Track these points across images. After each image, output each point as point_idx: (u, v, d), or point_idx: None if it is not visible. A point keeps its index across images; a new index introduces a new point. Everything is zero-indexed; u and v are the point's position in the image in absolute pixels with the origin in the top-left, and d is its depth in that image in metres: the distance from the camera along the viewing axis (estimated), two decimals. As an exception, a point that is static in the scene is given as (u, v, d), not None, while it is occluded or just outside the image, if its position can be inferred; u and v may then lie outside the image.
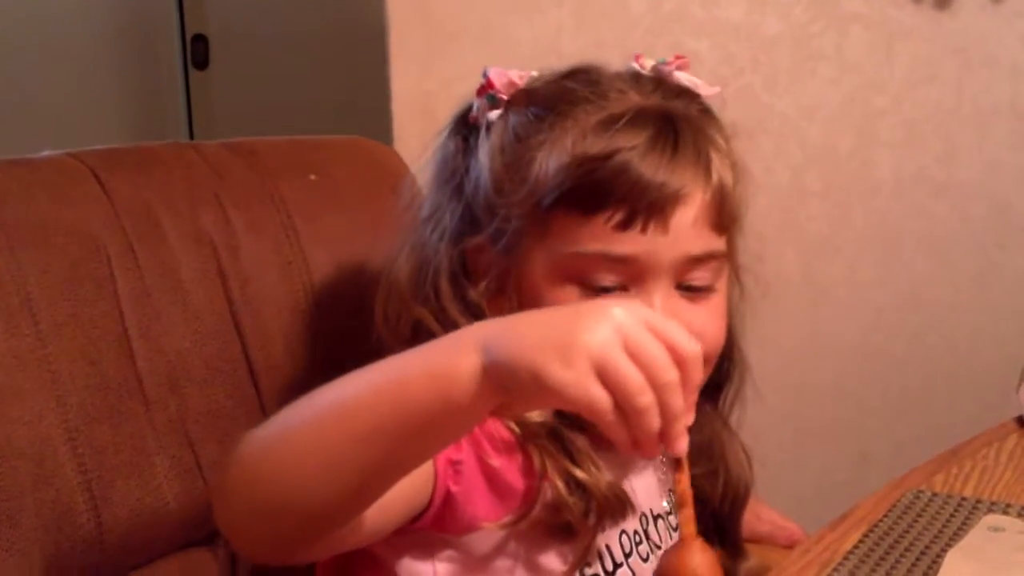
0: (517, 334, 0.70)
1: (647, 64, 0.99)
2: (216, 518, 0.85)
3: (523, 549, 0.95)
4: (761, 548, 1.20)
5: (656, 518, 1.03)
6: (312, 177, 1.19)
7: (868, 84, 1.83)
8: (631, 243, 0.90)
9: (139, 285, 1.04)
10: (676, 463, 0.72)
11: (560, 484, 0.92)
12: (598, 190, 0.90)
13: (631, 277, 0.91)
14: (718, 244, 0.94)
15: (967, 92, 1.82)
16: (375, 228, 1.19)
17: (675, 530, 1.05)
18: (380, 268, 1.04)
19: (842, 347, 1.93)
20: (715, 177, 0.93)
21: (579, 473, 0.92)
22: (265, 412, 1.09)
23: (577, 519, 0.93)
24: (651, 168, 0.90)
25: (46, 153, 1.09)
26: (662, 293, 0.91)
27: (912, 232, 1.87)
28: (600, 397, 0.67)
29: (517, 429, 0.93)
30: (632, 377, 0.67)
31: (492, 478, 0.92)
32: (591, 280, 0.91)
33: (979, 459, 1.15)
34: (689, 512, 0.72)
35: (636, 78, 0.97)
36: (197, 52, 3.41)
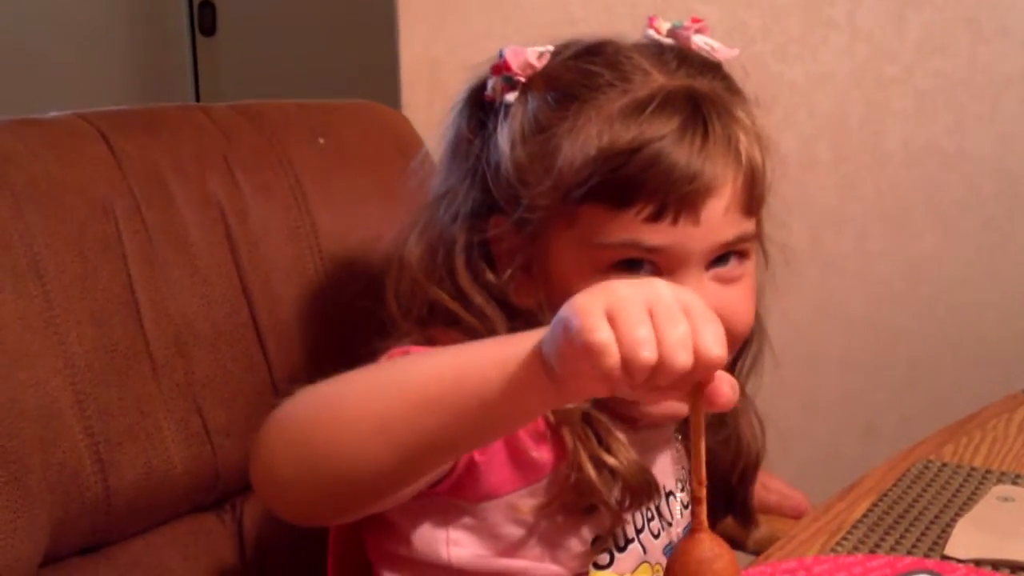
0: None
1: (663, 28, 0.96)
2: (253, 477, 0.85)
3: (542, 523, 0.94)
4: (768, 518, 1.20)
5: (668, 495, 1.03)
6: (321, 141, 1.19)
7: (879, 53, 1.82)
8: (661, 235, 0.89)
9: (147, 247, 1.03)
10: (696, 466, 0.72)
11: (590, 468, 0.91)
12: (628, 184, 0.88)
13: (661, 265, 0.90)
14: (748, 227, 0.93)
15: (979, 62, 1.80)
16: (383, 192, 1.19)
17: (685, 508, 1.05)
18: (389, 233, 1.04)
19: (850, 318, 1.93)
20: (745, 160, 0.91)
21: (610, 459, 0.92)
22: (273, 376, 1.09)
23: (605, 502, 0.93)
24: (682, 160, 0.88)
25: (53, 114, 1.08)
26: (693, 279, 0.90)
27: (921, 203, 1.87)
28: (602, 335, 0.65)
29: (551, 415, 0.92)
30: (641, 329, 0.65)
31: (515, 451, 0.91)
32: (620, 267, 0.90)
33: (989, 430, 1.15)
34: (702, 509, 0.72)
35: (657, 52, 0.94)
36: (204, 18, 3.40)
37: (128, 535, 1.03)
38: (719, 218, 0.90)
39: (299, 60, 3.19)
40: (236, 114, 1.17)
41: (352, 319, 1.09)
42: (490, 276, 0.95)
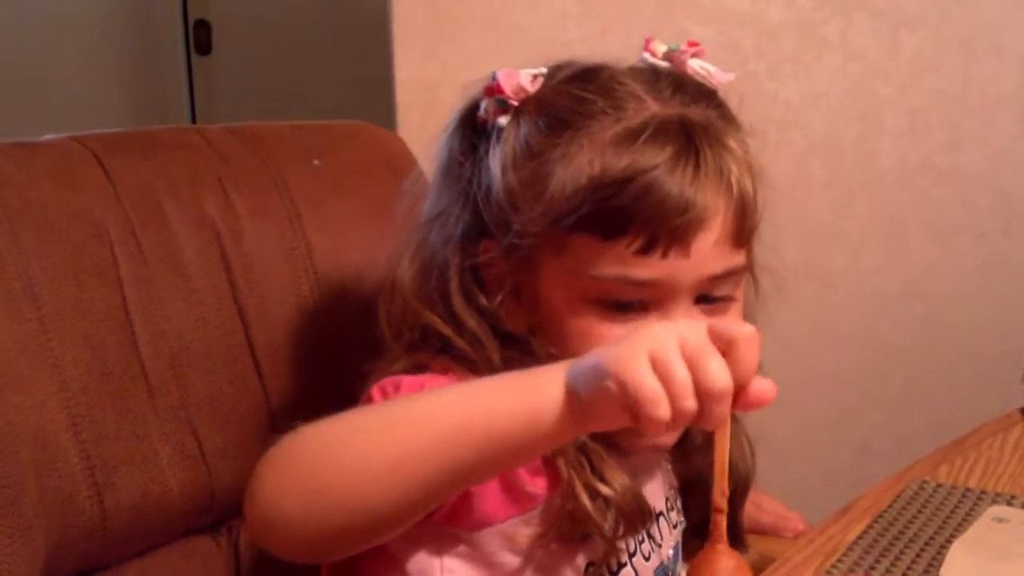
0: (598, 351, 0.73)
1: (659, 51, 0.96)
2: (249, 516, 0.83)
3: (537, 552, 0.94)
4: (764, 539, 1.20)
5: (658, 516, 1.02)
6: (316, 162, 1.19)
7: (873, 72, 1.83)
8: (651, 268, 0.88)
9: (142, 270, 1.03)
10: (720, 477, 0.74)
11: (585, 497, 0.91)
12: (619, 214, 0.87)
13: (650, 298, 0.90)
14: (738, 259, 0.92)
15: (973, 81, 1.81)
16: (379, 214, 1.18)
17: (674, 527, 1.05)
18: (383, 255, 1.03)
19: (845, 336, 1.93)
20: (736, 191, 0.90)
21: (604, 489, 0.91)
22: (268, 397, 1.09)
23: (600, 530, 0.92)
24: (674, 190, 0.87)
25: (48, 137, 1.08)
26: (682, 311, 0.90)
27: (916, 221, 1.87)
28: (652, 384, 0.68)
29: None
30: (680, 376, 0.68)
31: (509, 484, 0.91)
32: (610, 299, 0.90)
33: (983, 450, 1.15)
34: (723, 519, 0.73)
35: (652, 79, 0.93)
36: (200, 37, 3.41)
37: (124, 558, 1.03)
38: (709, 250, 0.89)
39: (295, 79, 3.20)
40: (231, 136, 1.17)
41: (347, 340, 1.09)
42: (483, 300, 0.94)
